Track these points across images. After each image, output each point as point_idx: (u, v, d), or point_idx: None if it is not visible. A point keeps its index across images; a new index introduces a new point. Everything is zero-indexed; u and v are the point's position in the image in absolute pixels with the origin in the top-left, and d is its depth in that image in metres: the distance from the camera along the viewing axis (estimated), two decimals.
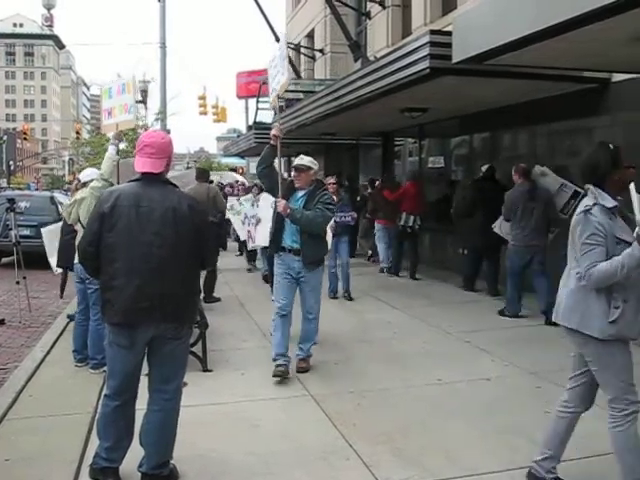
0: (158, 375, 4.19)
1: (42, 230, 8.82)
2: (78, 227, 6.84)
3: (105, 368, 6.48)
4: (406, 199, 12.43)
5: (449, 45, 7.61)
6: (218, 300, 10.58)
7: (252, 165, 35.74)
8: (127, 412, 4.23)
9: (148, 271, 3.97)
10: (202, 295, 10.16)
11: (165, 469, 4.21)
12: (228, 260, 11.54)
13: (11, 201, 10.60)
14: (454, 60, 7.53)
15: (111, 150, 7.02)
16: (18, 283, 9.36)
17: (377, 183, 14.69)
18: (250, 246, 11.50)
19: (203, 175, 11.47)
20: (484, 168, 10.82)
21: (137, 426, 4.27)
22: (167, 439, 4.22)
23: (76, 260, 6.82)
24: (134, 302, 3.95)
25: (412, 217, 12.29)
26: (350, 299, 10.50)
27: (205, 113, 36.19)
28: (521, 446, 4.78)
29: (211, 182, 12.21)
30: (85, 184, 7.05)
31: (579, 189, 9.24)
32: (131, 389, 4.21)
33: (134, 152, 4.41)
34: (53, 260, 8.55)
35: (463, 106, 11.67)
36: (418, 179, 13.34)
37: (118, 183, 6.88)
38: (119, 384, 4.16)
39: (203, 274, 10.31)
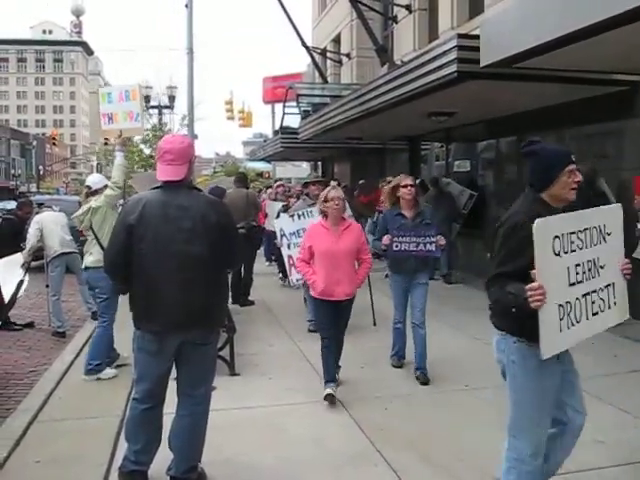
0: (187, 379, 4.21)
1: None
2: (89, 234, 6.88)
3: (99, 375, 6.58)
4: (379, 201, 12.99)
5: (477, 49, 7.58)
6: (252, 304, 10.67)
7: (278, 169, 35.89)
8: (155, 416, 4.26)
9: (182, 279, 3.99)
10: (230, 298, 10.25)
11: (194, 473, 4.23)
12: (256, 265, 11.50)
13: (40, 205, 10.76)
14: (482, 64, 7.50)
15: (119, 157, 7.02)
16: (48, 286, 9.46)
17: (356, 191, 15.22)
18: (293, 280, 8.77)
19: (241, 181, 11.52)
20: None
21: (165, 429, 4.29)
22: (196, 443, 4.23)
23: (84, 266, 6.91)
24: (170, 310, 3.98)
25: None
26: (425, 381, 6.45)
27: (232, 118, 36.44)
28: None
29: (247, 187, 12.07)
30: (96, 191, 7.07)
31: (473, 192, 12.93)
32: (160, 393, 4.24)
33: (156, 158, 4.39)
34: (5, 289, 8.61)
35: (490, 110, 11.59)
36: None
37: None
38: (148, 388, 4.19)
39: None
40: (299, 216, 8.72)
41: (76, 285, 10.08)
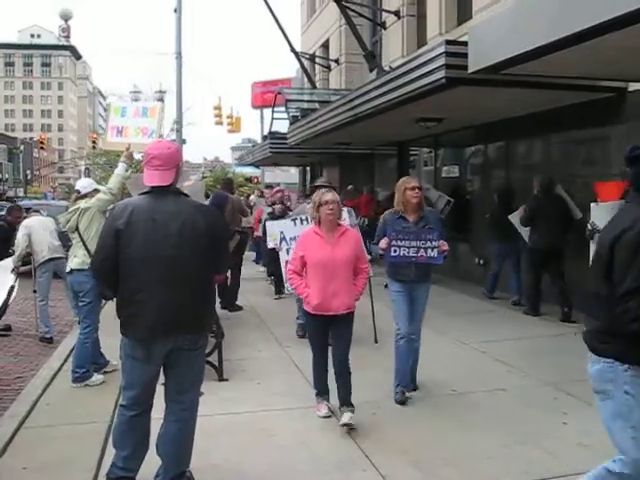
0: (175, 385, 4.19)
1: None
2: (74, 236, 6.84)
3: (87, 382, 6.57)
4: (361, 206, 15.73)
5: (465, 55, 7.63)
6: (240, 309, 10.70)
7: (267, 174, 35.84)
8: (143, 422, 4.24)
9: (169, 284, 3.97)
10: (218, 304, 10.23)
11: (182, 479, 4.21)
12: (244, 270, 11.50)
13: (28, 210, 10.73)
14: (470, 70, 7.54)
15: (121, 167, 7.00)
16: (35, 292, 9.42)
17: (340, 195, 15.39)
18: (289, 289, 7.83)
19: (227, 186, 11.62)
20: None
21: (153, 435, 4.28)
22: (184, 449, 4.22)
23: (68, 269, 6.87)
24: (157, 316, 3.95)
25: (363, 219, 15.07)
26: (401, 399, 6.05)
27: (220, 123, 36.31)
28: (537, 457, 4.75)
29: (233, 193, 12.08)
30: (85, 195, 7.03)
31: (450, 199, 13.11)
32: (147, 400, 4.22)
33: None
34: None
35: (478, 116, 11.65)
36: (371, 193, 17.52)
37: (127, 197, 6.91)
38: (135, 395, 4.17)
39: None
40: (302, 221, 8.24)
41: (63, 290, 10.04)
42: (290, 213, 9.11)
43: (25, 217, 10.01)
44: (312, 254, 5.50)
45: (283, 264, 8.19)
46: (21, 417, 5.67)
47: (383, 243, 5.95)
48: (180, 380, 4.18)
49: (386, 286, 6.81)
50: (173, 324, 3.98)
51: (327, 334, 5.63)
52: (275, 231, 8.67)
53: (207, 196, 13.62)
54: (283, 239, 8.40)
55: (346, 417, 5.30)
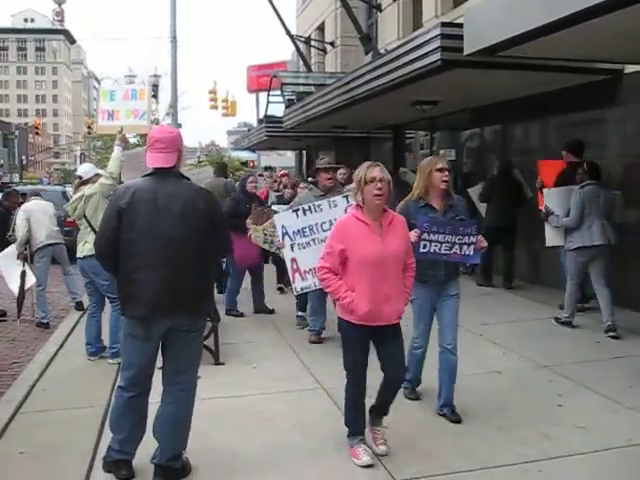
0: (173, 367, 4.22)
1: None
2: (82, 222, 6.87)
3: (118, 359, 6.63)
4: None
5: (460, 37, 7.58)
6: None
7: (263, 158, 35.77)
8: (141, 404, 4.26)
9: (169, 264, 4.01)
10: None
11: (178, 462, 4.23)
12: None
13: (23, 195, 10.72)
14: (465, 52, 7.50)
15: (117, 151, 7.03)
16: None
17: None
18: (297, 288, 7.39)
19: (221, 170, 11.85)
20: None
21: (150, 418, 4.29)
22: (181, 431, 4.24)
23: (80, 255, 6.89)
24: (157, 295, 4.00)
25: None
26: (457, 420, 5.16)
27: (215, 107, 36.25)
28: (533, 440, 4.77)
29: (227, 177, 12.08)
30: (87, 181, 7.08)
31: None
32: (145, 381, 4.24)
33: (144, 147, 4.44)
34: (13, 285, 8.76)
35: (474, 99, 11.61)
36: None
37: (121, 177, 6.94)
38: (134, 376, 4.19)
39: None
40: (304, 211, 7.21)
41: (60, 276, 10.04)
42: (292, 203, 7.99)
43: (22, 202, 10.01)
44: (359, 248, 4.30)
45: (288, 263, 7.33)
46: (17, 402, 5.68)
47: (413, 236, 4.81)
48: (177, 361, 4.20)
49: None
50: (172, 303, 4.01)
51: (368, 350, 4.58)
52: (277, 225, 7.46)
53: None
54: (285, 234, 7.28)
55: (383, 448, 4.62)
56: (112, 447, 4.28)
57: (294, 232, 7.22)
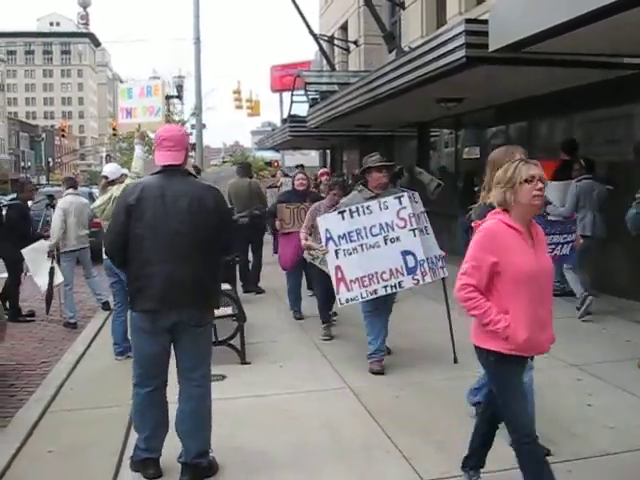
0: (184, 364, 4.27)
1: (23, 251, 9.10)
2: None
3: None
4: None
5: (485, 34, 7.52)
6: (262, 291, 10.82)
7: (287, 158, 35.80)
8: (158, 398, 4.32)
9: (176, 258, 4.09)
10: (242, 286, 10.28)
11: (204, 459, 4.25)
12: (264, 253, 11.51)
13: (50, 197, 10.83)
14: (491, 48, 7.44)
15: (138, 150, 7.18)
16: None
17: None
18: (341, 300, 6.47)
19: (244, 170, 11.75)
20: None
21: (172, 420, 4.32)
22: (202, 426, 4.27)
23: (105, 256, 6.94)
24: (165, 289, 4.07)
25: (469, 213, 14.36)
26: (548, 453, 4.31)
27: (240, 107, 36.36)
28: (562, 440, 4.71)
29: (251, 177, 12.05)
30: (113, 181, 7.14)
31: (441, 182, 11.83)
32: (158, 375, 4.29)
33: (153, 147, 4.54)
34: (39, 280, 8.83)
35: (499, 95, 11.52)
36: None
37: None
38: (145, 370, 4.26)
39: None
40: (351, 213, 6.43)
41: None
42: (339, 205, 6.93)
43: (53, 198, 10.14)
44: (517, 261, 3.51)
45: (332, 271, 6.51)
46: (46, 401, 5.74)
47: None
48: (189, 358, 4.26)
49: None
50: (179, 297, 4.08)
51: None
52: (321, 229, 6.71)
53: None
54: (330, 238, 6.50)
55: None
56: (138, 446, 4.32)
57: (339, 236, 6.45)
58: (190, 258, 4.12)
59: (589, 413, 5.21)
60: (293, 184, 9.56)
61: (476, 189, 10.75)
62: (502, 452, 4.53)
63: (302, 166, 18.94)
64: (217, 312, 6.67)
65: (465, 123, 14.87)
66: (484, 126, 14.17)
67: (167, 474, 4.28)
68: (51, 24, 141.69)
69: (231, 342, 6.73)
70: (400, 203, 6.29)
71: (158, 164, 4.31)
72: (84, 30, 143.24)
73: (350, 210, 6.43)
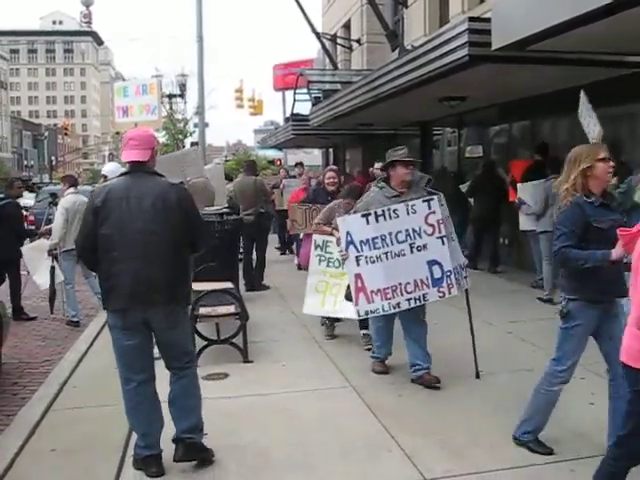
0: (167, 354, 4.41)
1: (22, 250, 9.19)
2: None
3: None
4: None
5: (488, 32, 7.51)
6: (267, 288, 10.88)
7: (290, 157, 35.77)
8: (147, 392, 4.36)
9: (143, 257, 4.16)
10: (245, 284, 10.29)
11: (196, 435, 4.34)
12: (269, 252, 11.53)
13: (53, 195, 10.84)
14: (494, 47, 7.43)
15: None
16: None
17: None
18: (360, 312, 5.98)
19: (250, 168, 11.80)
20: None
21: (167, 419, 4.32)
22: (192, 403, 4.39)
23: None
24: (133, 285, 4.14)
25: None
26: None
27: (242, 106, 36.31)
28: (565, 439, 4.70)
29: (257, 175, 12.01)
30: None
31: (430, 177, 11.34)
32: (142, 369, 4.34)
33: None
34: (39, 278, 8.83)
35: (502, 94, 11.49)
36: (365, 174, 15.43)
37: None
38: (128, 366, 4.32)
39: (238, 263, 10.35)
40: (377, 217, 5.78)
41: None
42: (358, 205, 6.32)
43: (55, 196, 10.12)
44: None
45: (352, 279, 5.92)
46: (49, 399, 5.74)
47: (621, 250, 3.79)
48: (168, 349, 4.39)
49: (565, 315, 4.62)
50: (147, 294, 4.15)
51: None
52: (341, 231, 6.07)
53: (229, 179, 13.62)
54: (351, 243, 5.87)
55: None
56: (138, 444, 4.38)
57: (362, 242, 5.82)
58: (157, 256, 4.19)
59: (592, 412, 5.19)
60: (322, 182, 9.34)
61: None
62: (502, 452, 4.54)
63: (302, 164, 18.70)
64: (220, 310, 6.78)
65: (468, 122, 14.83)
66: (487, 124, 14.14)
67: (170, 472, 4.28)
68: (54, 23, 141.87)
69: (233, 341, 6.73)
70: (429, 207, 5.75)
71: (123, 160, 4.45)
72: (87, 29, 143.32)
73: (376, 214, 5.78)
